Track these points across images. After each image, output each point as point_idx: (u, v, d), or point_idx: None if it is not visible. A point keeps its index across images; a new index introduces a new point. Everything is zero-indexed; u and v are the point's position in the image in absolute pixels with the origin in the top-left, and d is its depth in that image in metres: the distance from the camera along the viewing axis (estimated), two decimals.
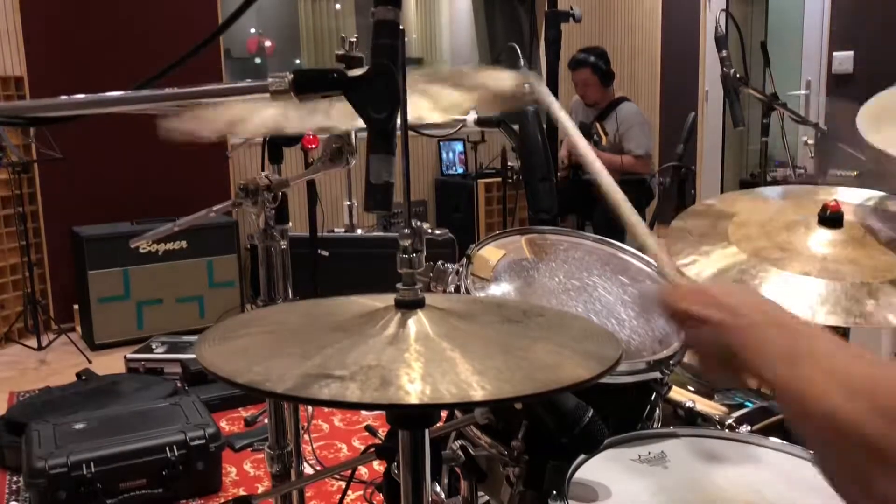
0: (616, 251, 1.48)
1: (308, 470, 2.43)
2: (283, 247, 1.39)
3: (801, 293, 1.19)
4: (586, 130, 4.61)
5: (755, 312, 0.78)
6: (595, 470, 1.05)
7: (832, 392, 0.65)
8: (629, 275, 1.41)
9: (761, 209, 1.43)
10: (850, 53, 4.78)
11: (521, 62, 1.56)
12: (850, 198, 1.41)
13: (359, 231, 4.19)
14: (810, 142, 3.05)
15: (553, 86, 2.70)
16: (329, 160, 1.30)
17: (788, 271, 1.24)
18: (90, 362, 3.63)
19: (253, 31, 6.25)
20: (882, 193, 1.43)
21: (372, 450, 1.05)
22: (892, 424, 0.61)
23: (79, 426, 2.50)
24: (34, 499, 2.29)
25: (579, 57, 4.48)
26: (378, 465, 2.38)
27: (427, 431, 0.81)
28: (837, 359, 0.69)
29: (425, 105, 1.14)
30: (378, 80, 0.76)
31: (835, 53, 4.88)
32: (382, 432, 1.07)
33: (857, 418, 0.62)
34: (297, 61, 6.25)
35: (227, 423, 3.03)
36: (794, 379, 0.69)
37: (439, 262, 1.22)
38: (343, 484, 2.46)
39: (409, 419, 0.80)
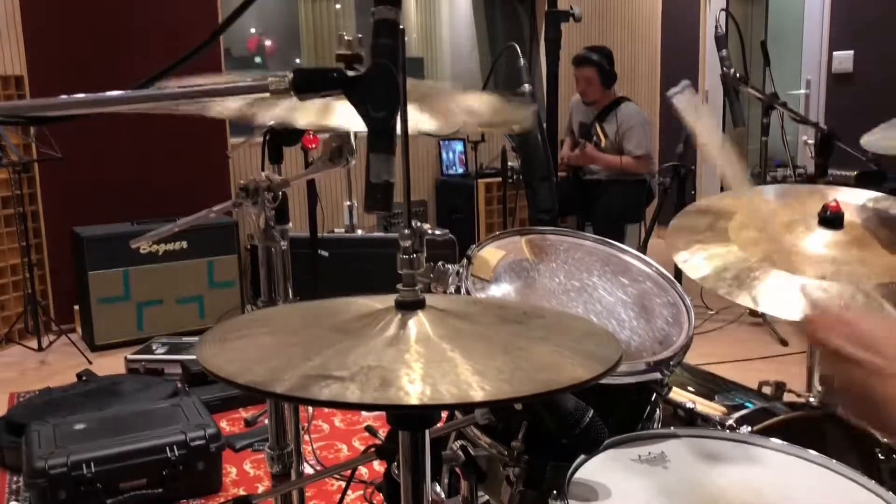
0: (616, 252, 1.48)
1: (308, 470, 2.44)
2: (283, 247, 1.39)
3: (819, 298, 1.18)
4: (586, 130, 4.62)
5: None
6: (595, 470, 1.05)
7: None
8: (629, 275, 1.41)
9: (759, 209, 1.43)
10: (850, 53, 4.78)
11: (521, 62, 1.56)
12: (850, 198, 1.41)
13: (359, 231, 4.19)
14: (810, 141, 3.05)
15: (553, 86, 2.70)
16: (329, 160, 1.30)
17: (801, 275, 1.23)
18: (90, 363, 3.63)
19: (253, 30, 6.25)
20: (881, 194, 1.43)
21: (372, 450, 1.04)
22: None
23: (79, 426, 2.50)
24: (34, 498, 2.29)
25: (584, 54, 4.49)
26: (378, 466, 2.38)
27: (427, 432, 0.81)
28: None
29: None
30: (378, 79, 0.76)
31: (835, 53, 4.88)
32: (383, 433, 1.06)
33: None
34: (297, 61, 6.24)
35: (228, 424, 3.03)
36: None
37: (439, 263, 1.22)
38: (343, 484, 2.46)
39: (409, 420, 0.80)
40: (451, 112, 1.18)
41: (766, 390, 1.55)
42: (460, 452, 1.13)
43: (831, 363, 0.82)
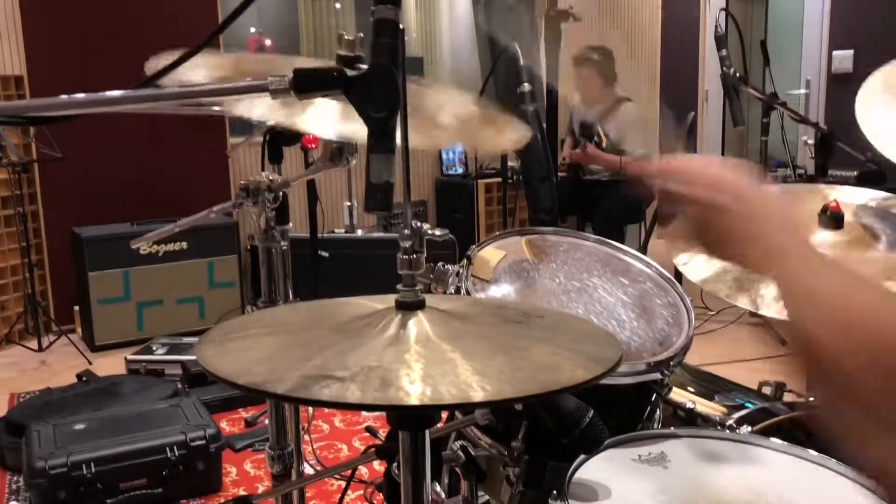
0: (616, 252, 1.48)
1: (308, 470, 2.44)
2: (283, 247, 1.39)
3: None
4: (587, 130, 4.61)
5: (758, 203, 0.77)
6: (595, 470, 1.05)
7: (823, 327, 0.63)
8: (629, 276, 1.41)
9: None
10: (850, 52, 4.78)
11: (521, 62, 1.56)
12: (850, 198, 1.41)
13: (359, 232, 4.19)
14: (810, 141, 3.05)
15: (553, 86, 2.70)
16: (329, 160, 1.30)
17: None
18: (90, 363, 3.63)
19: (253, 30, 6.25)
20: (882, 194, 1.43)
21: (372, 450, 1.04)
22: (889, 382, 0.57)
23: (79, 427, 2.50)
24: (34, 499, 2.29)
25: (584, 53, 4.49)
26: (378, 465, 2.38)
27: (427, 432, 0.81)
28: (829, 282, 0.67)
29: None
30: (378, 79, 0.76)
31: (834, 52, 4.88)
32: (383, 433, 1.06)
33: (853, 368, 0.59)
34: None
35: (228, 424, 3.03)
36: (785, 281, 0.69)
37: (439, 264, 1.22)
38: (343, 484, 2.46)
39: (409, 420, 0.80)
40: (438, 127, 1.17)
41: (766, 390, 1.55)
42: (460, 452, 1.13)
43: (682, 208, 0.84)
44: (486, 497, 1.25)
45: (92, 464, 2.29)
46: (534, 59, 4.98)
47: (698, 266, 1.30)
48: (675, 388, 1.50)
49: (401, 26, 0.78)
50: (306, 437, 2.79)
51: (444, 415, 1.43)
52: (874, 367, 0.57)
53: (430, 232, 0.90)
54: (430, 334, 0.79)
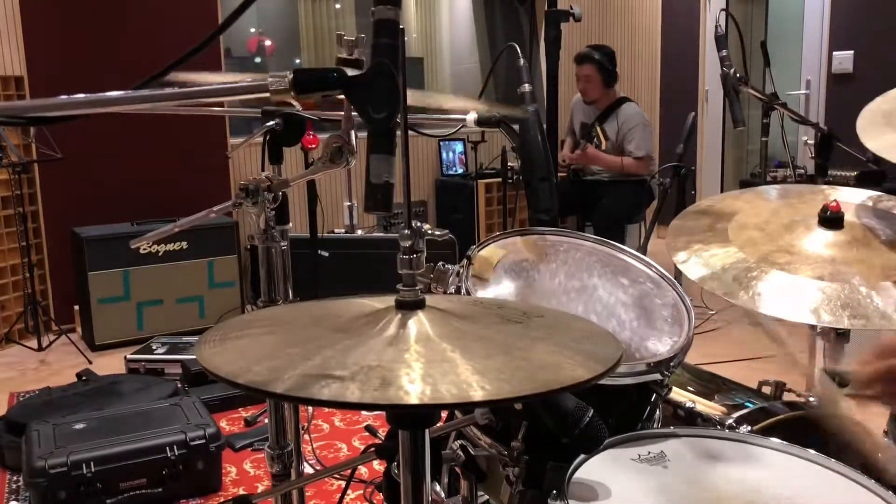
0: (616, 252, 1.48)
1: (308, 469, 2.44)
2: (283, 247, 1.39)
3: (818, 298, 1.19)
4: (587, 131, 4.62)
5: None
6: (595, 470, 1.05)
7: None
8: (629, 276, 1.41)
9: (760, 209, 1.43)
10: (850, 53, 4.79)
11: (521, 61, 1.56)
12: (850, 198, 1.42)
13: (359, 232, 4.19)
14: (810, 142, 3.05)
15: (553, 86, 2.70)
16: (329, 160, 1.30)
17: (801, 275, 1.24)
18: (90, 363, 3.63)
19: (253, 30, 6.24)
20: (880, 193, 1.43)
21: (372, 449, 1.05)
22: None
23: (79, 426, 2.50)
24: (34, 498, 2.29)
25: (586, 52, 4.49)
26: (378, 465, 2.38)
27: (427, 431, 0.81)
28: None
29: None
30: (378, 79, 0.76)
31: (835, 53, 4.88)
32: (382, 432, 1.06)
33: None
34: (297, 61, 6.25)
35: (228, 423, 3.03)
36: None
37: (440, 263, 1.22)
38: (343, 483, 2.46)
39: (409, 419, 0.80)
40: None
41: (766, 390, 1.55)
42: (460, 452, 1.13)
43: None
44: (486, 497, 1.25)
45: (92, 463, 2.29)
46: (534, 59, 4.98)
47: (697, 264, 1.30)
48: (675, 388, 1.50)
49: (401, 26, 0.78)
50: (306, 437, 2.79)
51: (444, 414, 1.43)
52: None
53: (430, 232, 0.90)
54: (430, 334, 0.79)
